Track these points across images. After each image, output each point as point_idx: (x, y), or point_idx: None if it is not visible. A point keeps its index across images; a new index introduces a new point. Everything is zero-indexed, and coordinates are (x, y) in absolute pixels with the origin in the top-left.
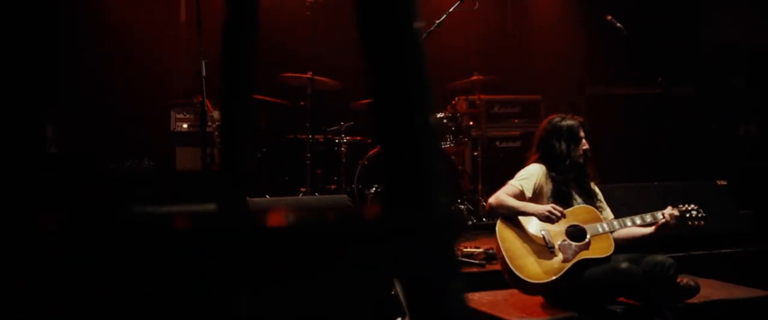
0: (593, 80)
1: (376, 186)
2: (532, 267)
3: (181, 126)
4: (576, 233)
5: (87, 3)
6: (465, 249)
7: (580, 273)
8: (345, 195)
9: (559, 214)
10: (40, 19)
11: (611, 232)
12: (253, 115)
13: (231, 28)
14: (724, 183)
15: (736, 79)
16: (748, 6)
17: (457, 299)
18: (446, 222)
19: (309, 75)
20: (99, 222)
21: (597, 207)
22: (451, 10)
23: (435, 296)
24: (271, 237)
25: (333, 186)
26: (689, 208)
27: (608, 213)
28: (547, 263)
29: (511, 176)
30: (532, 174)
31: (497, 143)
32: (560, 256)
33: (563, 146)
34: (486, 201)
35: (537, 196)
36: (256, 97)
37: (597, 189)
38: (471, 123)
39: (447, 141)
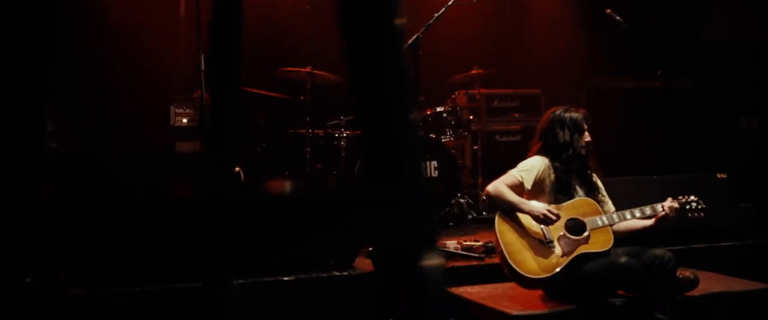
0: (593, 74)
1: None
2: (531, 263)
3: (181, 120)
4: (575, 227)
5: None
6: (464, 243)
7: (579, 267)
8: None
9: (554, 217)
10: (40, 13)
11: (611, 225)
12: (242, 103)
13: (218, 19)
14: (724, 176)
15: (739, 71)
16: (747, 1)
17: (436, 283)
18: (422, 195)
19: (308, 69)
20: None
21: (599, 200)
22: (449, 3)
23: (410, 267)
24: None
25: None
26: (689, 200)
27: (610, 206)
28: (546, 258)
29: None
30: (533, 167)
31: (497, 137)
32: (559, 250)
33: (567, 135)
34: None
35: (537, 189)
36: (256, 91)
37: (599, 183)
38: (471, 117)
39: (447, 135)
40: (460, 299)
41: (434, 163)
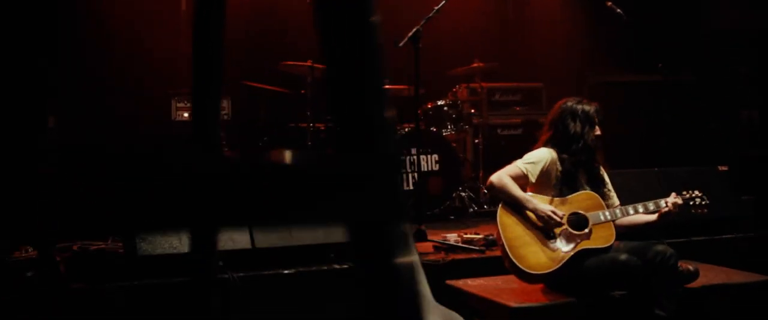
0: (594, 67)
1: None
2: (532, 257)
3: (182, 115)
4: (577, 221)
5: None
6: (465, 236)
7: (580, 262)
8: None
9: (557, 220)
10: (40, 9)
11: (613, 221)
12: (220, 97)
13: (201, 14)
14: (725, 168)
15: (740, 65)
16: None
17: (408, 281)
18: (392, 166)
19: (309, 63)
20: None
21: (604, 194)
22: None
23: (382, 264)
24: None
25: None
26: (693, 195)
27: (615, 199)
28: (547, 252)
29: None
30: (540, 159)
31: (498, 131)
32: (561, 245)
33: (578, 127)
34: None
35: (542, 183)
36: (257, 85)
37: (606, 176)
38: (472, 110)
39: (448, 128)
40: (460, 291)
41: (435, 157)
